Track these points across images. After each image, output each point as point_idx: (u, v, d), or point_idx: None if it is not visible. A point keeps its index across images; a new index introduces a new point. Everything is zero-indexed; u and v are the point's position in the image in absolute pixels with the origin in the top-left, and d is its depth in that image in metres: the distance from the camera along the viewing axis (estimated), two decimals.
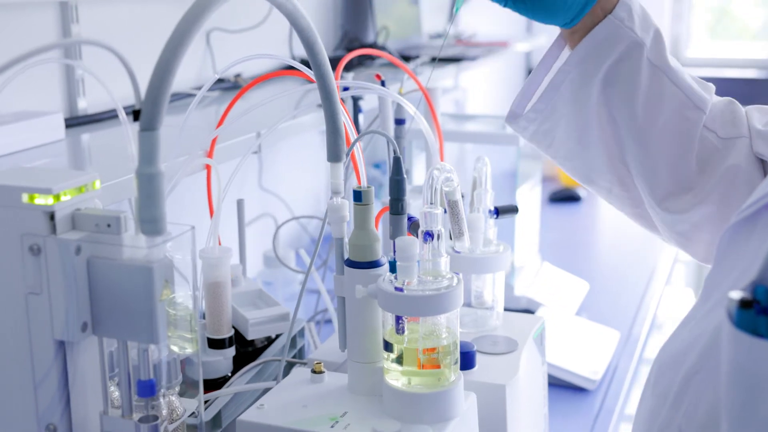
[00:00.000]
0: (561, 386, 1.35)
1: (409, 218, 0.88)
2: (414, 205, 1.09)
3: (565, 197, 2.47)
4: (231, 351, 1.01)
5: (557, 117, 0.93)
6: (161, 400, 0.74)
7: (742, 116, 0.91)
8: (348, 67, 1.56)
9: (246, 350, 1.08)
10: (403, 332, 0.80)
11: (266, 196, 1.80)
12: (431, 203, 0.83)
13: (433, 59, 1.93)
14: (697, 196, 0.90)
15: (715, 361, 0.69)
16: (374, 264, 0.84)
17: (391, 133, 1.19)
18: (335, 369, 0.92)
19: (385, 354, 0.81)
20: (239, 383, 0.99)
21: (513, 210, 1.08)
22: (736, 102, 0.93)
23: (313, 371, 0.88)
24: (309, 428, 0.78)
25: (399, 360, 0.80)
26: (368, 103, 1.48)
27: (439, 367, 0.80)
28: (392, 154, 0.85)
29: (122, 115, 0.91)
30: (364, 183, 0.86)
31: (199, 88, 1.49)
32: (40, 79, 1.27)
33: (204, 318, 1.01)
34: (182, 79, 1.52)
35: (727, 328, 0.58)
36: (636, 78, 0.89)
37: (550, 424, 1.09)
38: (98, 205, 0.73)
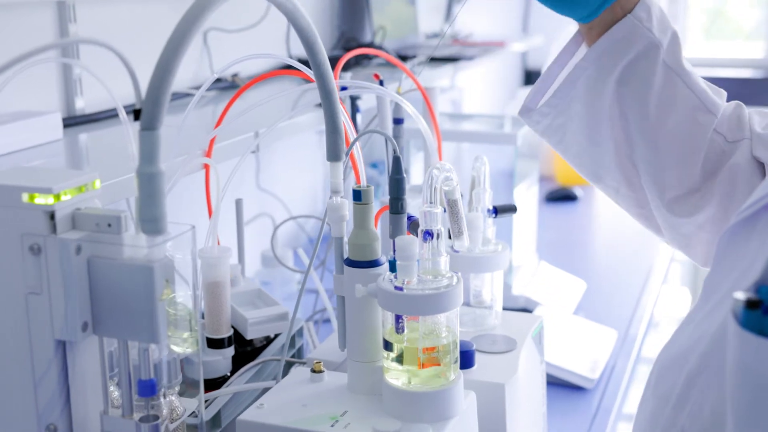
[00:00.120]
0: (559, 385, 1.35)
1: (409, 217, 0.89)
2: (412, 205, 1.09)
3: (561, 197, 2.47)
4: (230, 351, 1.01)
5: (570, 113, 0.93)
6: (162, 399, 0.74)
7: (746, 119, 0.91)
8: (345, 67, 1.56)
9: (245, 350, 1.08)
10: (403, 331, 0.80)
11: (263, 195, 1.80)
12: (431, 202, 0.84)
13: (431, 59, 1.93)
14: (703, 198, 0.90)
15: (718, 361, 0.69)
16: (374, 263, 0.84)
17: (390, 132, 1.19)
18: (334, 368, 0.92)
19: (385, 353, 0.81)
20: (238, 383, 0.99)
21: (512, 209, 1.08)
22: (743, 105, 0.93)
23: (313, 371, 0.88)
24: (309, 427, 0.78)
25: (399, 359, 0.80)
26: (365, 103, 1.48)
27: (439, 366, 0.80)
28: (392, 154, 0.85)
29: (122, 114, 0.91)
30: (363, 182, 0.87)
31: (196, 88, 1.49)
32: (37, 79, 1.27)
33: (203, 318, 1.01)
34: (179, 78, 1.50)
35: (733, 329, 0.58)
36: (650, 78, 0.89)
37: (548, 423, 1.09)
38: (97, 205, 0.73)
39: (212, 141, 1.09)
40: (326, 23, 2.02)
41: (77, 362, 0.71)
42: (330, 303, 1.19)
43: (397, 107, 1.16)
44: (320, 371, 0.87)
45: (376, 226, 0.87)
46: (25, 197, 0.68)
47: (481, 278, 1.04)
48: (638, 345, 1.57)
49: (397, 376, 0.81)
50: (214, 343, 1.00)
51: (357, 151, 0.93)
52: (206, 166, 1.09)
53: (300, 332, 1.13)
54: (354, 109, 1.43)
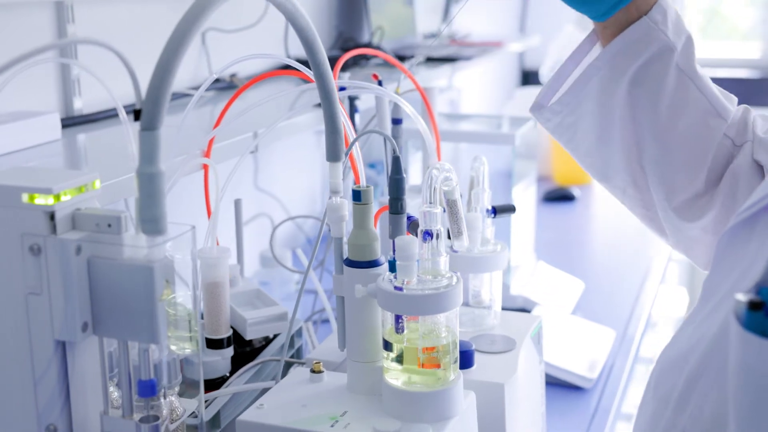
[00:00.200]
0: (558, 385, 1.35)
1: (408, 218, 0.89)
2: (411, 205, 1.09)
3: (559, 197, 2.48)
4: (229, 351, 1.01)
5: (582, 111, 0.93)
6: (161, 400, 0.74)
7: (751, 122, 0.91)
8: (343, 68, 1.56)
9: (244, 350, 1.07)
10: (403, 331, 0.80)
11: (262, 196, 1.80)
12: (430, 203, 0.84)
13: (428, 59, 1.94)
14: (710, 202, 0.90)
15: (718, 363, 0.69)
16: (373, 263, 0.84)
17: (389, 132, 1.19)
18: (334, 368, 0.92)
19: (385, 353, 0.81)
20: (238, 383, 0.99)
21: (510, 209, 1.08)
22: (750, 109, 0.93)
23: (312, 371, 0.88)
24: (309, 428, 0.78)
25: (399, 359, 0.80)
26: (364, 103, 1.48)
27: (438, 366, 0.80)
28: (391, 154, 0.85)
29: (123, 114, 0.91)
30: (363, 182, 0.87)
31: (195, 88, 1.49)
32: (36, 79, 1.27)
33: (202, 318, 1.01)
34: (178, 79, 1.51)
35: (735, 330, 0.58)
36: (663, 81, 0.89)
37: (547, 423, 1.09)
38: (96, 206, 0.73)
39: (211, 141, 1.09)
40: (324, 23, 2.02)
41: (77, 362, 0.71)
42: (329, 303, 1.19)
43: (395, 107, 1.16)
44: (320, 371, 0.87)
45: (375, 226, 0.87)
46: (25, 197, 0.68)
47: (480, 278, 1.04)
48: (636, 344, 1.57)
49: (396, 376, 0.81)
50: (213, 344, 1.00)
51: (356, 151, 0.93)
52: (205, 167, 1.09)
53: (299, 332, 1.13)
54: (352, 110, 1.43)
